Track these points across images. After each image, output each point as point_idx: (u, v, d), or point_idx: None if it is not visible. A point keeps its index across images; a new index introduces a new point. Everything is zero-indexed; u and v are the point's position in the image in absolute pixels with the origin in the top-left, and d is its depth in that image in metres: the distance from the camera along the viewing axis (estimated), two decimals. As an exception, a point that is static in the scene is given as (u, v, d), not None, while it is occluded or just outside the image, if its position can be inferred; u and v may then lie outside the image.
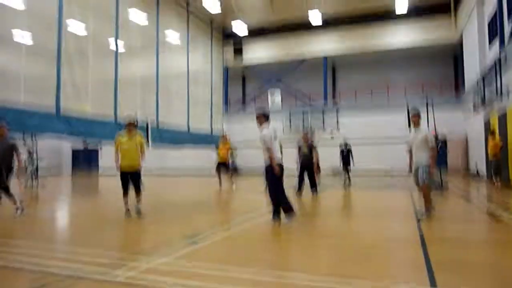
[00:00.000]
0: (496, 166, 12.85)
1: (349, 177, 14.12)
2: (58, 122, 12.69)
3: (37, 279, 3.50)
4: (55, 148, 29.38)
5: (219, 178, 12.93)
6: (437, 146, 13.51)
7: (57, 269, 3.77)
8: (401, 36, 23.75)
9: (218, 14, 25.17)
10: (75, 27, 14.02)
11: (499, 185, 12.48)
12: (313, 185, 10.61)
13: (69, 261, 4.09)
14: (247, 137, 22.57)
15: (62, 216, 7.96)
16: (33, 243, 4.90)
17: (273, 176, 5.99)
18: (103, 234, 5.53)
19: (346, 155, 13.87)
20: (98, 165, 32.18)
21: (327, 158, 15.87)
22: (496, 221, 6.54)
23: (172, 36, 20.38)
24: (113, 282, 3.42)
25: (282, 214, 6.01)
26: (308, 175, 10.60)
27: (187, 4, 21.99)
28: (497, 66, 14.04)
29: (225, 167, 13.04)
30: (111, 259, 4.03)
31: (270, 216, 6.17)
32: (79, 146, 30.35)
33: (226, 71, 27.95)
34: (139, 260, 3.98)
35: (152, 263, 3.88)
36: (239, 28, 24.60)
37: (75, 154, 32.21)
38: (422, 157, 6.55)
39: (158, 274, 3.58)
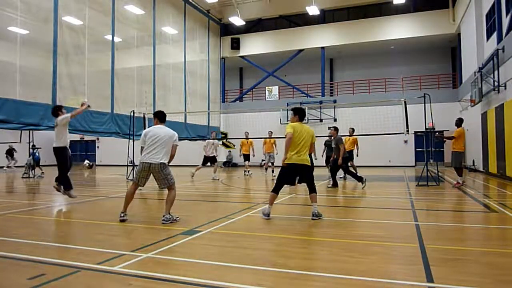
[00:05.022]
0: (461, 159, 11.18)
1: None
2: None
3: (37, 268, 3.58)
4: (51, 139, 29.32)
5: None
6: (434, 139, 13.53)
7: (55, 260, 3.86)
8: (399, 29, 23.62)
9: (215, 5, 24.97)
10: (71, 19, 13.86)
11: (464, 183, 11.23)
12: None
13: (67, 252, 4.14)
14: (244, 128, 22.54)
15: (57, 210, 7.95)
16: (34, 235, 4.91)
17: None
18: (102, 223, 5.55)
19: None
20: (95, 156, 32.18)
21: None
22: (490, 213, 6.60)
23: (169, 28, 20.18)
24: (111, 272, 3.48)
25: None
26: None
27: (184, -6, 21.78)
28: (495, 59, 14.04)
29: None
30: (109, 249, 4.07)
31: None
32: (76, 137, 30.33)
33: (223, 62, 27.79)
34: (137, 251, 4.00)
35: (151, 254, 3.92)
36: (236, 19, 24.41)
37: (72, 145, 32.20)
38: None
39: (156, 265, 3.61)
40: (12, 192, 11.62)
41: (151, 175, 6.01)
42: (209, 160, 14.80)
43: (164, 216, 5.87)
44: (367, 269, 3.57)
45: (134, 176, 6.09)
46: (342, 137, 11.50)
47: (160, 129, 6.10)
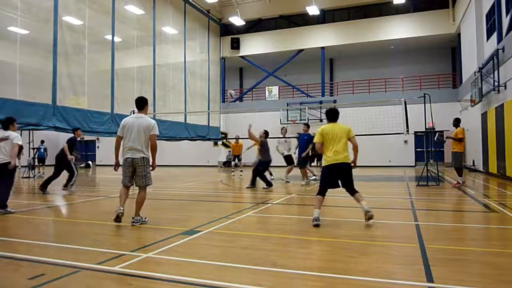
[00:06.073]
0: (461, 160, 11.08)
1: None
2: (54, 114, 12.63)
3: (36, 268, 3.59)
4: (51, 139, 29.30)
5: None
6: (434, 139, 13.51)
7: (55, 260, 3.86)
8: (399, 29, 23.61)
9: (215, 5, 24.97)
10: (71, 19, 13.86)
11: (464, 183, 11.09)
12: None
13: (67, 252, 4.13)
14: (243, 129, 22.54)
15: (57, 210, 7.95)
16: (33, 235, 4.91)
17: None
18: (102, 223, 5.54)
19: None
20: (95, 156, 32.19)
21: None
22: (490, 213, 6.60)
23: (169, 28, 20.17)
24: (110, 272, 3.48)
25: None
26: None
27: (184, -6, 21.76)
28: (495, 59, 14.03)
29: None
30: (109, 249, 4.07)
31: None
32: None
33: (223, 62, 27.78)
34: (137, 251, 4.00)
35: (151, 254, 3.92)
36: (236, 19, 24.39)
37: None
38: None
39: (156, 265, 3.62)
40: (12, 192, 11.59)
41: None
42: (285, 160, 13.19)
43: (134, 218, 5.69)
44: (367, 269, 3.56)
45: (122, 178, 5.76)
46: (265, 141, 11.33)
47: (137, 119, 5.69)
